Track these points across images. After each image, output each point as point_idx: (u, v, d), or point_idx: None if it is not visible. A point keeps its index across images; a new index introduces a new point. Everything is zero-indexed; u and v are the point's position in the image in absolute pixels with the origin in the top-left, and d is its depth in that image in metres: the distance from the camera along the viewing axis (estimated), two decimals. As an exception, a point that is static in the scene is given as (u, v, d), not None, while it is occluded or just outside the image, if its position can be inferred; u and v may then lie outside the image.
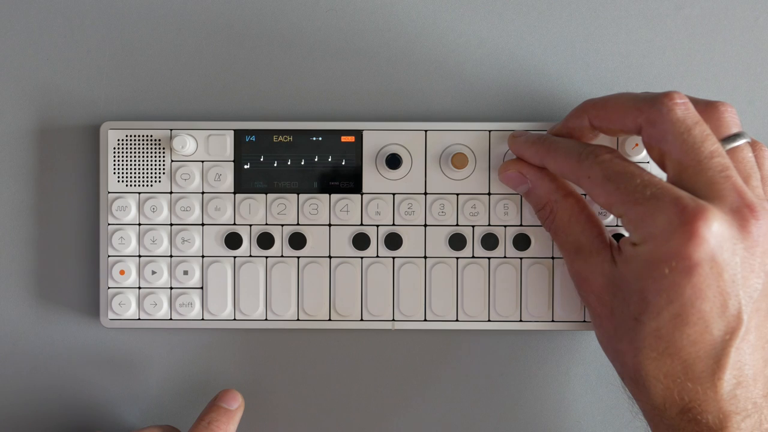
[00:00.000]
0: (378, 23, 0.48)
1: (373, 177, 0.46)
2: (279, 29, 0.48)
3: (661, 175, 0.39)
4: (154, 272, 0.46)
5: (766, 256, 0.36)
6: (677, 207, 0.35)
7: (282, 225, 0.47)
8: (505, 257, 0.47)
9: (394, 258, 0.47)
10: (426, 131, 0.46)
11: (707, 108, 0.40)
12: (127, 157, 0.46)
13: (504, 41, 0.48)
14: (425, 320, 0.47)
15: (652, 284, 0.36)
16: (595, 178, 0.39)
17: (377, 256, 0.47)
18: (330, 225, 0.47)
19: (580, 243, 0.42)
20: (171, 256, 0.47)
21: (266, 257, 0.47)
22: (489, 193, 0.46)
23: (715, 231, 0.35)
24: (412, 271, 0.47)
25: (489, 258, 0.47)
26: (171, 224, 0.47)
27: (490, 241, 0.46)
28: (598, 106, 0.41)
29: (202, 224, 0.47)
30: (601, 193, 0.39)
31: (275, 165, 0.46)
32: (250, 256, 0.47)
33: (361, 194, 0.46)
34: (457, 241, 0.46)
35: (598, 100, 0.42)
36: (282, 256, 0.47)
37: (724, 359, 0.36)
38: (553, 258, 0.47)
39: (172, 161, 0.46)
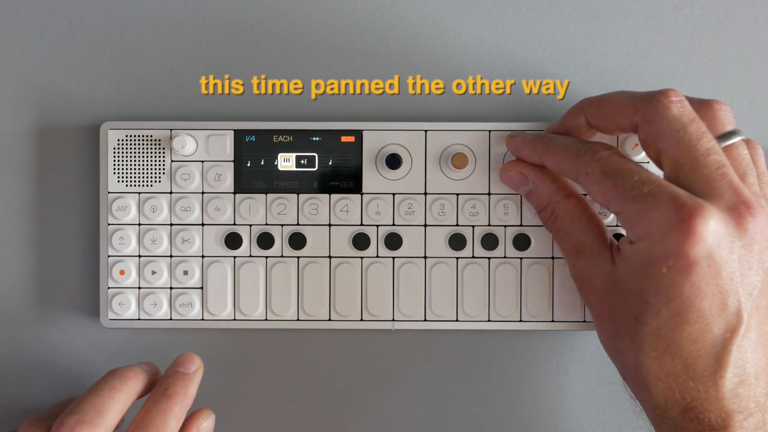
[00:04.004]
0: (378, 23, 0.48)
1: (373, 177, 0.46)
2: (279, 29, 0.48)
3: (659, 173, 0.39)
4: (154, 272, 0.46)
5: (763, 253, 0.36)
6: (674, 204, 0.35)
7: (282, 225, 0.47)
8: (505, 257, 0.47)
9: (394, 258, 0.47)
10: (426, 131, 0.46)
11: (702, 106, 0.40)
12: (127, 157, 0.46)
13: (504, 41, 0.48)
14: (425, 320, 0.47)
15: (651, 283, 0.36)
16: (592, 175, 0.39)
17: (377, 256, 0.47)
18: (330, 225, 0.47)
19: (581, 243, 0.42)
20: (171, 256, 0.47)
21: (266, 257, 0.47)
22: (489, 193, 0.46)
23: (712, 228, 0.35)
24: (412, 271, 0.47)
25: (489, 258, 0.47)
26: (171, 224, 0.47)
27: (490, 241, 0.46)
28: (595, 104, 0.41)
29: (202, 224, 0.47)
30: (598, 190, 0.39)
31: (275, 165, 0.46)
32: (250, 256, 0.47)
33: (361, 194, 0.46)
34: (457, 241, 0.46)
35: (594, 98, 0.42)
36: (282, 256, 0.47)
37: (726, 358, 0.36)
38: (553, 258, 0.47)
39: (172, 161, 0.46)
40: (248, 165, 0.46)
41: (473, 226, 0.47)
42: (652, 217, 0.36)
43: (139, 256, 0.47)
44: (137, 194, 0.46)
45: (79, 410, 0.39)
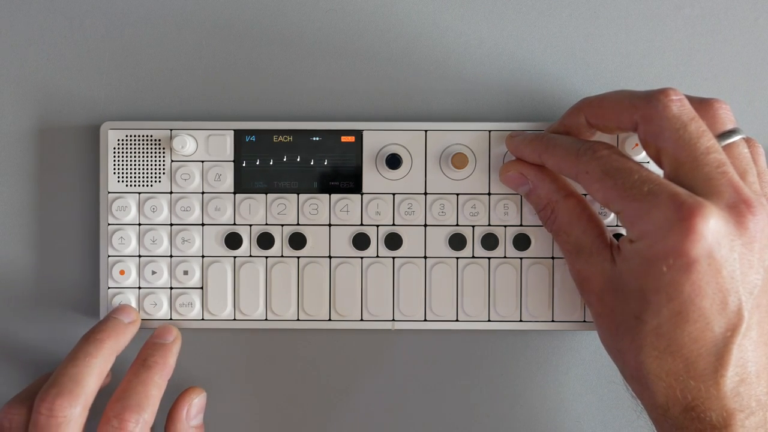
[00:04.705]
0: (378, 23, 0.48)
1: (373, 177, 0.46)
2: (279, 29, 0.48)
3: (659, 172, 0.39)
4: (154, 272, 0.46)
5: (764, 251, 0.36)
6: (674, 203, 0.35)
7: (282, 225, 0.47)
8: (505, 257, 0.47)
9: (394, 258, 0.47)
10: (426, 131, 0.46)
11: (702, 105, 0.40)
12: (127, 157, 0.46)
13: (504, 41, 0.48)
14: (425, 320, 0.47)
15: (651, 282, 0.36)
16: (593, 174, 0.39)
17: (377, 256, 0.47)
18: (330, 225, 0.47)
19: (581, 243, 0.42)
20: (171, 256, 0.47)
21: (266, 257, 0.47)
22: (489, 193, 0.46)
23: (712, 227, 0.35)
24: (412, 271, 0.47)
25: (489, 258, 0.47)
26: (171, 224, 0.46)
27: (490, 241, 0.46)
28: (595, 103, 0.41)
29: (202, 224, 0.47)
30: (598, 189, 0.39)
31: (275, 165, 0.46)
32: (250, 256, 0.47)
33: (361, 194, 0.46)
34: (457, 241, 0.46)
35: (594, 97, 0.42)
36: (282, 256, 0.47)
37: (726, 356, 0.36)
38: (553, 258, 0.46)
39: (172, 161, 0.46)
40: (248, 165, 0.46)
41: (473, 226, 0.47)
42: (652, 216, 0.36)
43: (139, 256, 0.47)
44: (137, 194, 0.46)
45: (57, 383, 0.40)
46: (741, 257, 0.36)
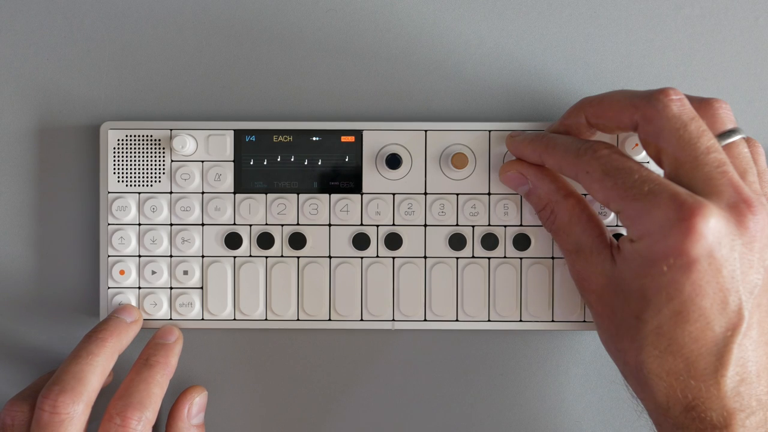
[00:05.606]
0: (378, 23, 0.48)
1: (373, 177, 0.46)
2: (279, 29, 0.48)
3: (659, 172, 0.39)
4: (154, 272, 0.46)
5: (764, 251, 0.36)
6: (674, 203, 0.35)
7: (282, 225, 0.47)
8: (505, 257, 0.47)
9: (394, 258, 0.47)
10: (426, 131, 0.46)
11: (702, 105, 0.40)
12: (127, 157, 0.46)
13: (504, 41, 0.48)
14: (425, 320, 0.47)
15: (651, 282, 0.36)
16: (593, 173, 0.39)
17: (377, 256, 0.47)
18: (330, 225, 0.47)
19: (580, 243, 0.42)
20: (171, 256, 0.47)
21: (266, 257, 0.47)
22: (489, 193, 0.46)
23: (713, 227, 0.35)
24: (412, 271, 0.47)
25: (489, 258, 0.47)
26: (171, 224, 0.46)
27: (490, 241, 0.46)
28: (595, 103, 0.41)
29: (202, 224, 0.47)
30: (599, 189, 0.39)
31: (275, 165, 0.46)
32: (250, 256, 0.47)
33: (361, 194, 0.46)
34: (457, 241, 0.46)
35: (594, 97, 0.42)
36: (282, 256, 0.47)
37: (727, 356, 0.36)
38: (553, 258, 0.46)
39: (172, 161, 0.46)
40: (248, 165, 0.46)
41: (473, 226, 0.47)
42: (653, 216, 0.36)
43: (139, 256, 0.47)
44: (137, 194, 0.46)
45: (60, 380, 0.41)
46: (741, 257, 0.36)
